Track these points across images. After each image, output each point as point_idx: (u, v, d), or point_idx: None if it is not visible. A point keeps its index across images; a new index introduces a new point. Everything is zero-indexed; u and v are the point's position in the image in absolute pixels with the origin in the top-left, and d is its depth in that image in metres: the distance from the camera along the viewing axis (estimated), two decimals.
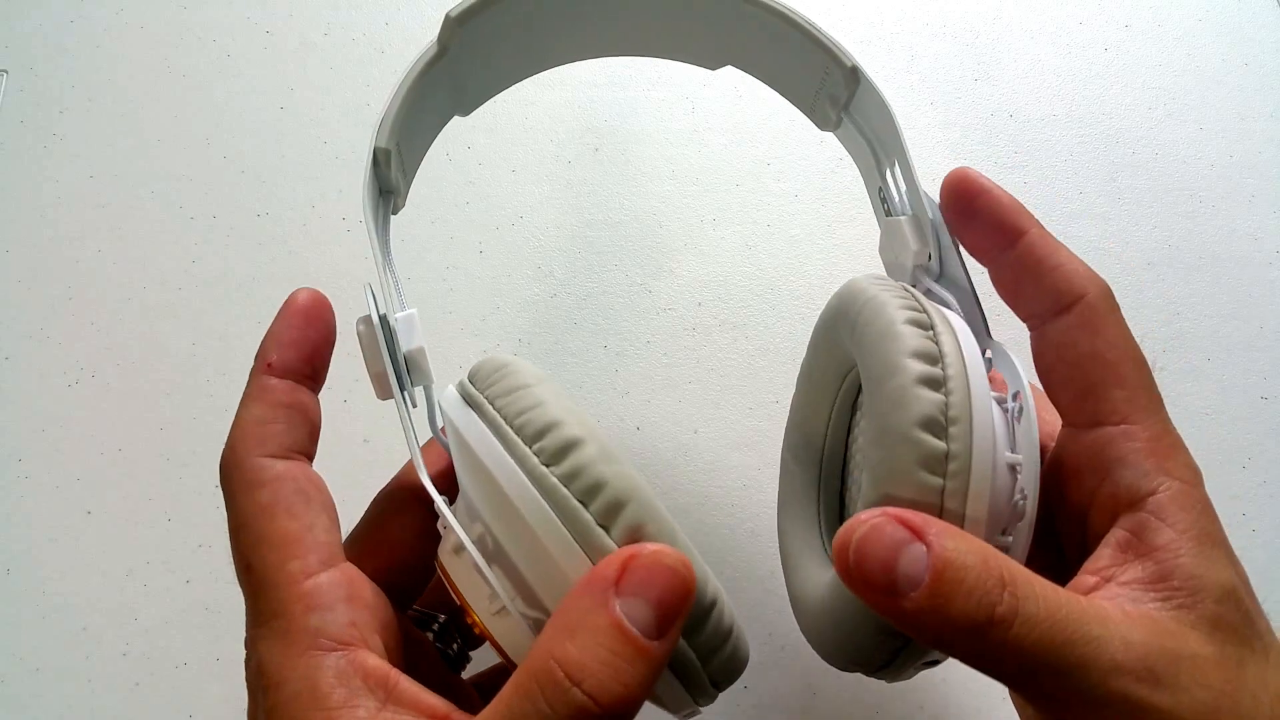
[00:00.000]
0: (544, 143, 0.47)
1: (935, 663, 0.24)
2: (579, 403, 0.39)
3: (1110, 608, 0.21)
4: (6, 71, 0.48)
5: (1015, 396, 0.24)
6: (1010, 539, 0.23)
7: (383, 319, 0.25)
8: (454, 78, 0.29)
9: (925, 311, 0.24)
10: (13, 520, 0.39)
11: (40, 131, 0.46)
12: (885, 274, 0.31)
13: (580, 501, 0.21)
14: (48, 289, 0.43)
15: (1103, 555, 0.23)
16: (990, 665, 0.21)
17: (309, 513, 0.23)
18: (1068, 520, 0.25)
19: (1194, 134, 0.47)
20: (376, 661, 0.22)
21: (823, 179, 0.46)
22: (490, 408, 0.23)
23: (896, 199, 0.30)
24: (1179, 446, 0.23)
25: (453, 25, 0.27)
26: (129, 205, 0.45)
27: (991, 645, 0.20)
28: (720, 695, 0.25)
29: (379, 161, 0.27)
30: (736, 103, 0.47)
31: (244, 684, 0.23)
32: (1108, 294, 0.24)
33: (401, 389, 0.25)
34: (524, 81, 0.33)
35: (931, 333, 0.23)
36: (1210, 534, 0.22)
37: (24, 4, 0.49)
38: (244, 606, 0.23)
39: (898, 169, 0.29)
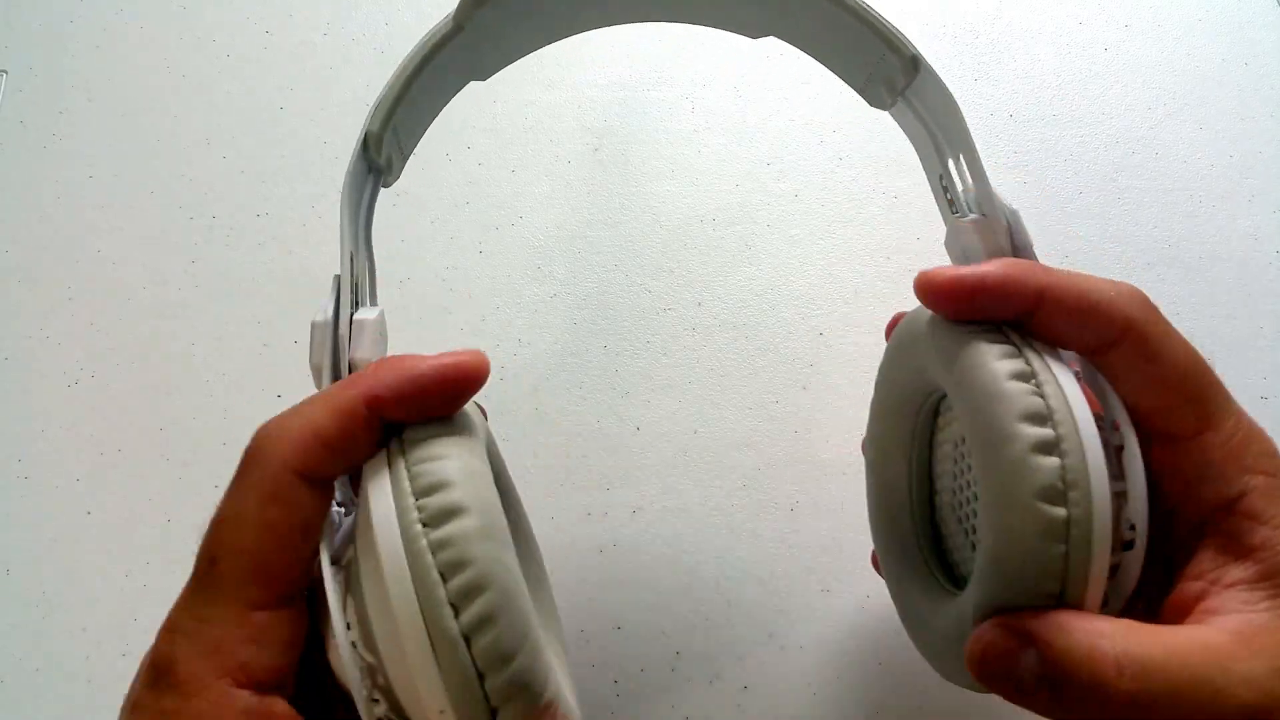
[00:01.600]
0: (544, 143, 0.47)
1: None
2: (579, 403, 0.39)
3: (1224, 642, 0.21)
4: (6, 71, 0.48)
5: (1114, 426, 0.24)
6: (1119, 566, 0.23)
7: (335, 319, 0.24)
8: (468, 50, 0.28)
9: (1024, 356, 0.23)
10: (13, 520, 0.39)
11: (40, 131, 0.46)
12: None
13: (441, 575, 0.20)
14: (48, 289, 0.43)
15: (1203, 559, 0.23)
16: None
17: (301, 550, 0.22)
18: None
19: (1194, 134, 0.47)
20: (284, 710, 0.21)
21: (823, 179, 0.46)
22: (399, 444, 0.22)
23: (961, 194, 0.28)
24: (1255, 436, 0.23)
25: (471, 5, 0.27)
26: (129, 205, 0.45)
27: None
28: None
29: (369, 146, 0.26)
30: (736, 103, 0.47)
31: None
32: (1145, 307, 0.24)
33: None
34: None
35: (1035, 383, 0.23)
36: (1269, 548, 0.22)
37: (24, 4, 0.49)
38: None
39: (963, 163, 0.28)
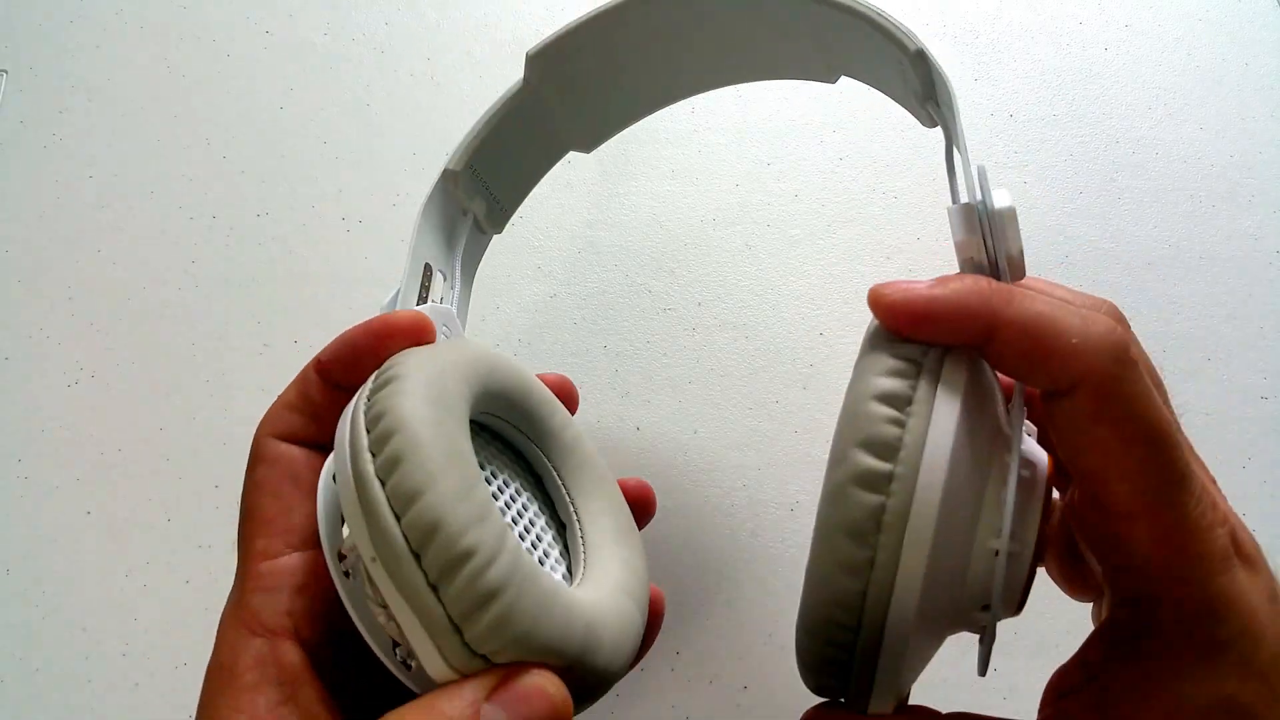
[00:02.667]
0: None
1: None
2: (579, 402, 0.39)
3: None
4: (6, 71, 0.48)
5: (1030, 465, 0.22)
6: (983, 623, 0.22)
7: (390, 308, 0.27)
8: (549, 112, 0.31)
9: (917, 376, 0.21)
10: (13, 520, 0.39)
11: (40, 131, 0.46)
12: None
13: (367, 429, 0.21)
14: (48, 289, 0.43)
15: (1097, 648, 0.22)
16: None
17: (294, 496, 0.24)
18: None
19: (1194, 134, 0.47)
20: (295, 658, 0.22)
21: (823, 179, 0.46)
22: (364, 390, 0.23)
23: (957, 186, 0.26)
24: (1197, 533, 0.20)
25: (533, 62, 0.29)
26: (129, 205, 0.45)
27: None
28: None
29: (445, 180, 0.29)
30: (736, 103, 0.47)
31: None
32: (1113, 360, 0.20)
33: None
34: None
35: (906, 411, 0.21)
36: (1210, 642, 0.20)
37: (24, 4, 0.49)
38: None
39: (959, 153, 0.25)
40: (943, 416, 0.21)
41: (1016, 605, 0.23)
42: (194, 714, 0.21)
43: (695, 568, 0.38)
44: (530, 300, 0.43)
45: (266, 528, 0.24)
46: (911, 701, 0.24)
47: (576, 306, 0.43)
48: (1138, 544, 0.21)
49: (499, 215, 0.33)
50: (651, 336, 0.43)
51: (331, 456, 0.24)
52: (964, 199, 0.24)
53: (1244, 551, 0.21)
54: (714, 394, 0.41)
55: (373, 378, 0.23)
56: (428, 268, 0.29)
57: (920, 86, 0.26)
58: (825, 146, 0.46)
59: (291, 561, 0.23)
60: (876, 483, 0.21)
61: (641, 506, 0.30)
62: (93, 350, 0.42)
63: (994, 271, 0.23)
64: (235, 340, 0.42)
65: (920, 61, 0.26)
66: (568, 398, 0.31)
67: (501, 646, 0.20)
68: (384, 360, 0.24)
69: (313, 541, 0.24)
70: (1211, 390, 0.42)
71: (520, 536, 0.25)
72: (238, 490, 0.39)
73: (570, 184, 0.46)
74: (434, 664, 0.20)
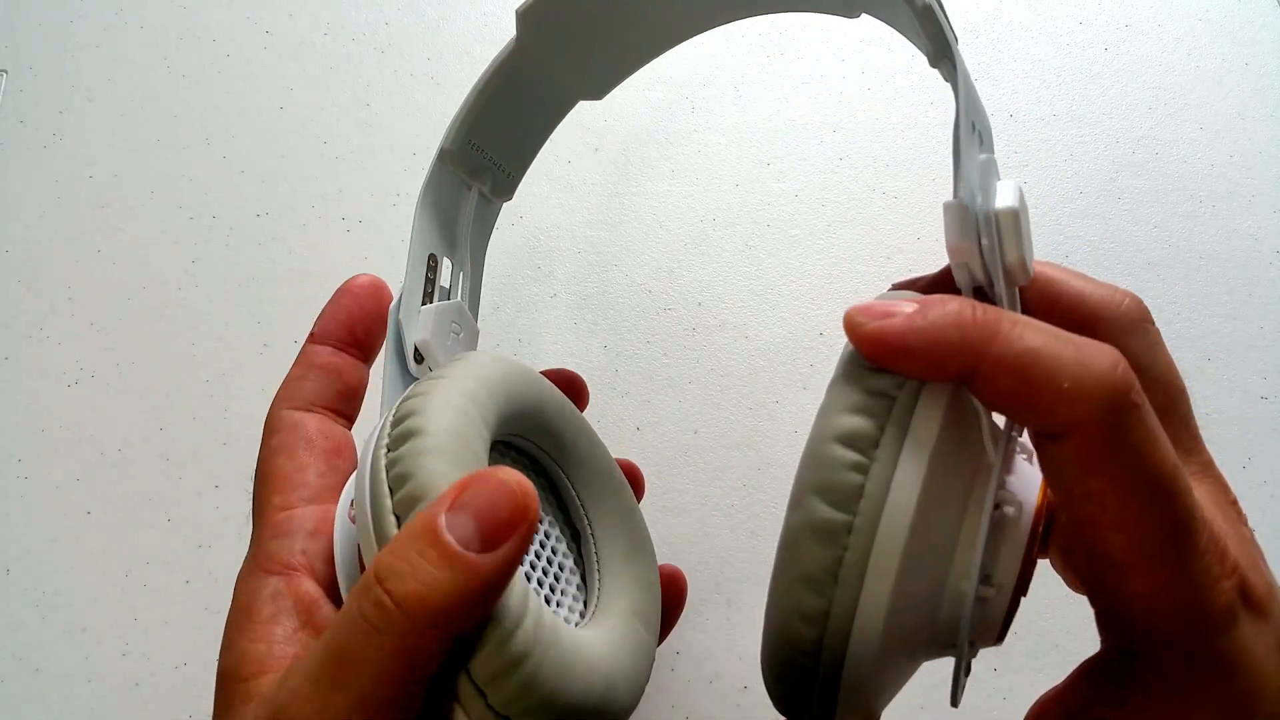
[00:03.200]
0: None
1: None
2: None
3: None
4: (6, 71, 0.48)
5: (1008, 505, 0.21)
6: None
7: (394, 313, 0.27)
8: (547, 67, 0.30)
9: (886, 415, 0.20)
10: (13, 520, 0.39)
11: (40, 131, 0.46)
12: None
13: (390, 489, 0.22)
14: (48, 289, 0.43)
15: (1080, 690, 0.21)
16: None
17: (307, 456, 0.25)
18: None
19: (1194, 134, 0.47)
20: (311, 588, 0.23)
21: (823, 179, 0.46)
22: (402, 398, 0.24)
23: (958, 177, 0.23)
24: (1196, 590, 0.19)
25: (522, 21, 0.28)
26: (129, 205, 0.45)
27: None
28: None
29: (442, 160, 0.28)
30: (736, 103, 0.47)
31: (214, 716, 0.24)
32: (1110, 406, 0.18)
33: (403, 371, 0.27)
34: None
35: (870, 456, 0.20)
36: (1204, 705, 0.19)
37: (24, 4, 0.49)
38: None
39: (961, 139, 0.22)
40: (911, 461, 0.19)
41: (996, 638, 0.22)
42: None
43: (695, 568, 0.38)
44: (530, 300, 0.43)
45: (283, 484, 0.25)
46: (913, 700, 0.24)
47: (576, 306, 0.43)
48: (1132, 598, 0.19)
49: (506, 184, 0.32)
50: (651, 336, 0.43)
51: (346, 496, 0.25)
52: (962, 194, 0.20)
53: (1253, 599, 0.20)
54: (714, 394, 0.41)
55: (392, 418, 0.23)
56: (432, 258, 0.29)
57: (932, 45, 0.24)
58: (825, 146, 0.46)
59: (306, 511, 0.25)
60: (833, 534, 0.19)
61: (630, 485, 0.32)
62: (93, 350, 0.42)
63: (988, 284, 0.21)
64: (235, 340, 0.42)
65: (928, 18, 0.23)
66: (577, 393, 0.32)
67: (526, 709, 0.21)
68: (371, 312, 0.27)
69: (325, 497, 0.25)
70: (1211, 390, 0.42)
71: (536, 554, 0.26)
72: (238, 490, 0.40)
73: (570, 184, 0.46)
74: None
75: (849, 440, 0.20)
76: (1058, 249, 0.44)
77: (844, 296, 0.43)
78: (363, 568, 0.22)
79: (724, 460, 0.40)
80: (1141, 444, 0.18)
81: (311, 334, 0.28)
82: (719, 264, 0.44)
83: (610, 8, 0.29)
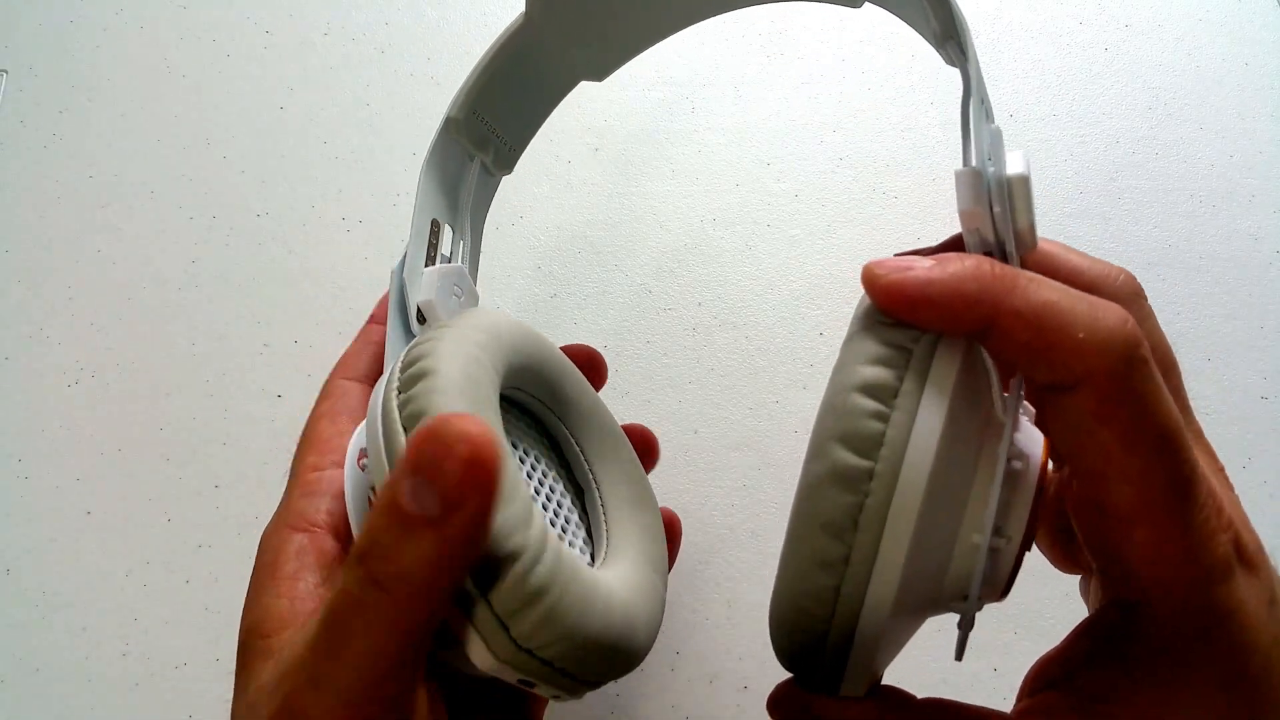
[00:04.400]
0: (544, 142, 0.46)
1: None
2: None
3: None
4: (6, 71, 0.48)
5: (1019, 458, 0.21)
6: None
7: (399, 271, 0.27)
8: (553, 44, 0.30)
9: (905, 366, 0.20)
10: (13, 520, 0.39)
11: (40, 131, 0.46)
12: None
13: (404, 427, 0.22)
14: (48, 289, 0.43)
15: (1079, 645, 0.22)
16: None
17: (347, 423, 0.26)
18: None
19: (1194, 134, 0.47)
20: (333, 545, 0.24)
21: (823, 179, 0.46)
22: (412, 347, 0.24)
23: (968, 146, 0.24)
24: (1198, 542, 0.20)
25: None
26: (129, 205, 0.45)
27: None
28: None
29: (447, 128, 0.29)
30: (736, 103, 0.47)
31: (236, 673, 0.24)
32: (1121, 357, 0.19)
33: (407, 332, 0.27)
34: None
35: (891, 404, 0.20)
36: (1195, 654, 0.20)
37: (24, 4, 0.49)
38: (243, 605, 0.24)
39: (972, 112, 0.23)
40: (930, 411, 0.20)
41: (1001, 592, 0.22)
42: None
43: (695, 568, 0.38)
44: (530, 300, 0.43)
45: (319, 447, 0.26)
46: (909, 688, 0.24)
47: (576, 306, 0.43)
48: (1135, 549, 0.20)
49: (507, 157, 0.33)
50: (651, 336, 0.43)
51: (358, 436, 0.25)
52: (974, 162, 0.22)
53: (1246, 555, 0.21)
54: (714, 394, 0.41)
55: (400, 363, 0.23)
56: (435, 223, 0.29)
57: (939, 26, 0.25)
58: (825, 146, 0.46)
59: (336, 473, 0.25)
60: (855, 480, 0.20)
61: (645, 450, 0.32)
62: (93, 350, 0.42)
63: (1000, 246, 0.22)
64: (235, 340, 0.42)
65: (939, 1, 0.24)
66: (596, 369, 0.33)
67: (548, 641, 0.21)
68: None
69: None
70: (1211, 390, 0.42)
71: (543, 506, 0.27)
72: (238, 490, 0.40)
73: (570, 184, 0.46)
74: (482, 657, 0.21)
75: (869, 390, 0.20)
76: None
77: (844, 296, 0.43)
78: None
79: (724, 460, 0.40)
80: (1149, 397, 0.19)
81: (372, 314, 0.29)
82: (719, 264, 0.44)
83: None
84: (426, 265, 0.28)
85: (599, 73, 0.32)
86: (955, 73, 0.39)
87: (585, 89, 0.49)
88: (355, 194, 0.45)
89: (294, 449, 0.27)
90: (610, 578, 0.24)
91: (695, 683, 0.36)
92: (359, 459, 0.25)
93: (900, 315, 0.21)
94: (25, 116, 0.47)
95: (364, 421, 0.25)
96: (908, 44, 0.49)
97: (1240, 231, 0.45)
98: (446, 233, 0.30)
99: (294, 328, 0.42)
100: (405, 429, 0.22)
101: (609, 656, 0.23)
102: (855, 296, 0.45)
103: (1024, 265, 0.23)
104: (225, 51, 0.48)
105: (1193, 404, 0.24)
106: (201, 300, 0.43)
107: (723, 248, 0.44)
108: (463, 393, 0.22)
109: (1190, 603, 0.20)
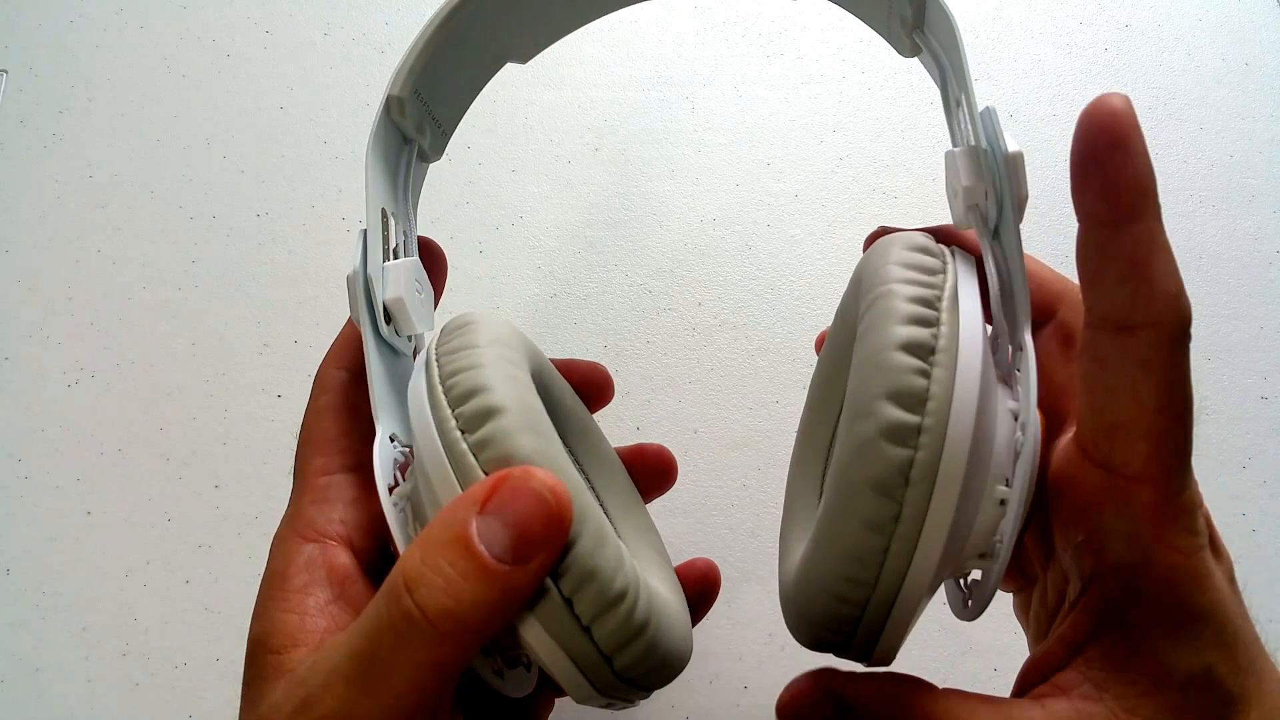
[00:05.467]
0: (544, 142, 0.47)
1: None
2: None
3: None
4: (6, 71, 0.48)
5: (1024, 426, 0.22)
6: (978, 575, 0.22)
7: (364, 267, 0.25)
8: (494, 23, 0.28)
9: (938, 324, 0.21)
10: (13, 520, 0.39)
11: (40, 131, 0.46)
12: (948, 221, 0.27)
13: (485, 472, 0.21)
14: (48, 289, 0.43)
15: (1079, 620, 0.22)
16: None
17: (352, 420, 0.25)
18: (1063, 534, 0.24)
19: (1194, 134, 0.47)
20: (346, 560, 0.23)
21: (823, 179, 0.46)
22: (435, 365, 0.23)
23: (962, 128, 0.25)
24: (1188, 510, 0.21)
25: None
26: (129, 205, 0.45)
27: None
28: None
29: (390, 109, 0.27)
30: (736, 103, 0.47)
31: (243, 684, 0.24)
32: (1181, 328, 0.21)
33: (379, 340, 0.25)
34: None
35: (930, 360, 0.20)
36: (1194, 613, 0.21)
37: (24, 4, 0.49)
38: (248, 607, 0.24)
39: (964, 95, 0.25)
40: (967, 367, 0.20)
41: (1014, 548, 0.22)
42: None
43: None
44: (530, 300, 0.43)
45: (326, 447, 0.25)
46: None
47: (576, 306, 0.43)
48: (1138, 508, 0.21)
49: (438, 142, 0.30)
50: (651, 336, 0.43)
51: (382, 450, 0.24)
52: (974, 140, 0.23)
53: (1213, 534, 0.22)
54: (714, 394, 0.41)
55: (445, 388, 0.22)
56: (384, 212, 0.26)
57: (911, 13, 0.25)
58: (825, 146, 0.46)
59: (347, 478, 0.24)
60: (905, 436, 0.20)
61: (663, 473, 0.31)
62: (93, 350, 0.42)
63: (998, 217, 0.23)
64: (235, 340, 0.42)
65: None
66: (600, 389, 0.32)
67: (646, 670, 0.22)
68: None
69: (367, 464, 0.24)
70: (1211, 390, 0.42)
71: None
72: (238, 490, 0.40)
73: (570, 184, 0.46)
74: (580, 690, 0.21)
75: (911, 348, 0.20)
76: (1058, 249, 0.44)
77: None
78: None
79: (724, 460, 0.40)
80: (1186, 367, 0.20)
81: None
82: (719, 264, 0.44)
83: None
84: (385, 260, 0.26)
85: (525, 54, 0.31)
86: None
87: (585, 90, 0.49)
88: (355, 194, 0.45)
89: (294, 449, 0.26)
90: (662, 590, 0.25)
91: (695, 683, 0.36)
92: (397, 498, 0.23)
93: (1102, 153, 0.22)
94: (25, 116, 0.47)
95: (378, 441, 0.23)
96: None
97: (1240, 231, 0.45)
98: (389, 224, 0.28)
99: (294, 328, 0.42)
100: (486, 474, 0.21)
101: (679, 669, 0.23)
102: None
103: None
104: (225, 51, 0.48)
105: (1193, 404, 0.24)
106: (201, 300, 0.43)
107: (723, 248, 0.44)
108: (534, 430, 0.21)
109: (1180, 563, 0.21)
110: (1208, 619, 0.21)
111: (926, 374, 0.20)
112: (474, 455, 0.21)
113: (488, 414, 0.21)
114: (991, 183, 0.23)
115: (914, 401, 0.20)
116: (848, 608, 0.21)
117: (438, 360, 0.23)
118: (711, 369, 0.42)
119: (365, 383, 0.25)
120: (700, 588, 0.30)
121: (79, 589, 0.38)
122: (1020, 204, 0.23)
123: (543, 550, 0.20)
